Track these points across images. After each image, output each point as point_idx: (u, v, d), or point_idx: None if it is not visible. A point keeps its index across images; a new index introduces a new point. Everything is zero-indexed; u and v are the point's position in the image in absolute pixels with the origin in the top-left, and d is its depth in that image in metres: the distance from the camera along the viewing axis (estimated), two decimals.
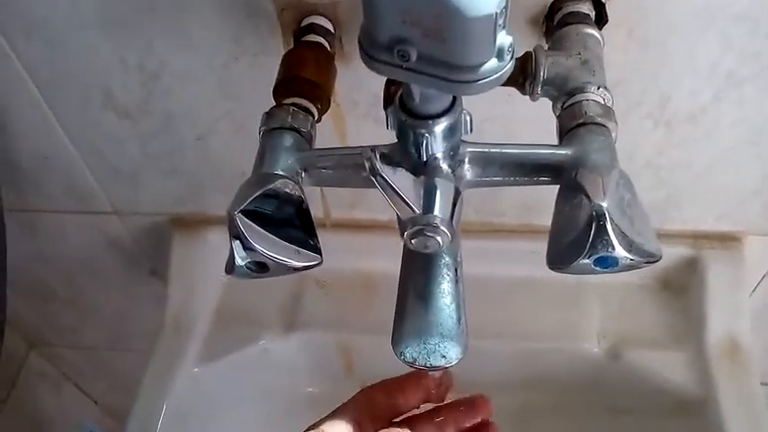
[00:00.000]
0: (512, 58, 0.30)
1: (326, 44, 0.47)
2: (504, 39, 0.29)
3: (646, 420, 0.68)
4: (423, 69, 0.30)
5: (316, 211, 0.71)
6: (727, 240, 0.66)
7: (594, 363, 0.67)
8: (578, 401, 0.70)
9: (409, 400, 0.43)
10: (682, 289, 0.68)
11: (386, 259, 0.69)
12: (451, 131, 0.36)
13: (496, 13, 0.28)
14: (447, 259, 0.40)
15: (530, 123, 0.55)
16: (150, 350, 0.71)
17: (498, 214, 0.67)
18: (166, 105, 0.58)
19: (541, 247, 0.68)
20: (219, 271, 0.72)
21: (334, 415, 0.41)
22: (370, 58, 0.31)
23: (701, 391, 0.64)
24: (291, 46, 0.50)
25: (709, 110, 0.53)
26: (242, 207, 0.36)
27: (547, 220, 0.68)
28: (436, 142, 0.36)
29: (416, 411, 0.44)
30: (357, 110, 0.57)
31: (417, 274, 0.40)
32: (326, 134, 0.58)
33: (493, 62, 0.30)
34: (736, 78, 0.50)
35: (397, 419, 0.43)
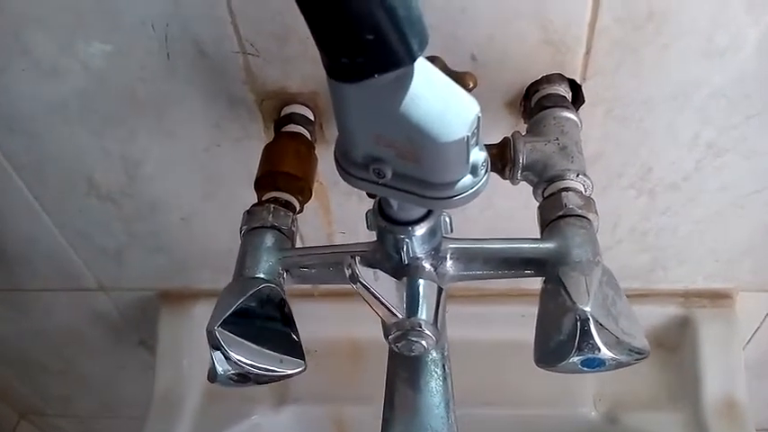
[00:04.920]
0: (486, 171, 0.30)
1: (307, 133, 0.48)
2: (477, 155, 0.29)
3: None
4: (398, 186, 0.30)
5: None
6: (718, 298, 0.65)
7: (592, 427, 0.66)
8: None
9: None
10: (675, 347, 0.67)
11: (374, 327, 0.69)
12: (432, 234, 0.35)
13: (468, 136, 0.28)
14: (435, 355, 0.40)
15: (510, 198, 0.55)
16: (140, 427, 0.70)
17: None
18: (149, 190, 0.58)
19: (531, 310, 0.68)
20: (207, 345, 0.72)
21: None
22: (346, 173, 0.31)
23: None
24: (272, 131, 0.51)
25: (691, 178, 0.53)
26: (221, 321, 0.35)
27: (535, 282, 0.68)
28: (417, 245, 0.35)
29: None
30: (340, 188, 0.57)
31: (404, 372, 0.39)
32: (311, 210, 0.59)
33: (467, 178, 0.30)
34: (716, 149, 0.50)
35: None
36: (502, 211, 0.56)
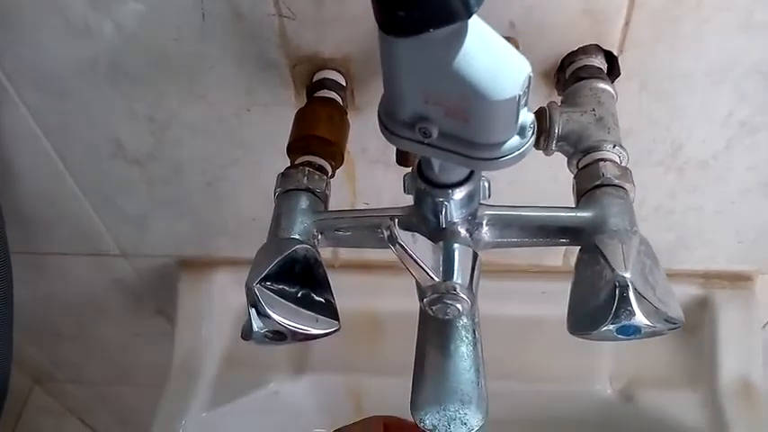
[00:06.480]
0: (533, 134, 0.30)
1: (339, 99, 0.47)
2: (525, 117, 0.29)
3: None
4: (444, 146, 0.30)
5: (325, 253, 0.71)
6: (739, 280, 0.65)
7: (607, 404, 0.66)
8: None
9: None
10: (694, 328, 0.67)
11: (394, 299, 0.69)
12: (470, 198, 0.35)
13: (519, 95, 0.28)
14: (465, 321, 0.40)
15: (539, 171, 0.55)
16: (159, 391, 0.70)
17: (509, 255, 0.67)
18: (176, 154, 0.58)
19: (552, 287, 0.68)
20: (227, 313, 0.73)
21: None
22: (390, 133, 0.31)
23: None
24: (303, 97, 0.50)
25: (721, 157, 0.52)
26: (259, 278, 0.35)
27: (557, 260, 0.68)
28: (455, 209, 0.35)
29: None
30: (366, 156, 0.57)
31: (435, 336, 0.39)
32: (336, 178, 0.58)
33: (515, 140, 0.30)
34: (749, 127, 0.50)
35: None
36: (530, 184, 0.56)
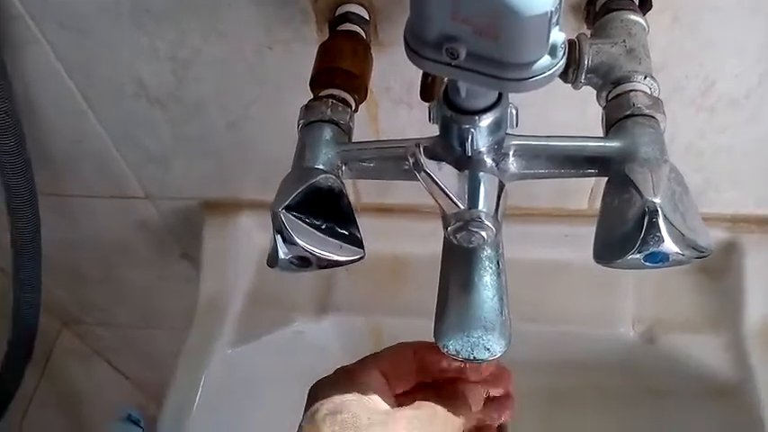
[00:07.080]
0: (564, 54, 0.30)
1: (362, 33, 0.47)
2: (557, 36, 0.29)
3: (681, 404, 0.67)
4: (472, 67, 0.30)
5: None
6: (767, 224, 0.64)
7: (629, 347, 0.66)
8: (612, 385, 0.70)
9: (441, 365, 0.43)
10: (719, 272, 0.67)
11: (415, 242, 0.70)
12: (497, 126, 0.35)
13: (551, 11, 0.27)
14: (489, 251, 0.40)
15: (566, 112, 0.54)
16: (185, 333, 0.72)
17: (531, 198, 0.66)
18: (198, 92, 0.58)
19: (575, 230, 0.68)
20: (251, 255, 0.73)
21: (365, 362, 0.42)
22: (416, 55, 0.31)
23: (738, 374, 0.63)
24: (325, 34, 0.50)
25: (753, 95, 0.51)
26: (285, 204, 0.35)
27: (581, 203, 0.67)
28: (481, 137, 0.35)
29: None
30: (390, 95, 0.56)
31: (459, 266, 0.39)
32: (358, 119, 0.58)
33: (545, 59, 0.29)
34: None
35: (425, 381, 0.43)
36: (558, 121, 0.55)
